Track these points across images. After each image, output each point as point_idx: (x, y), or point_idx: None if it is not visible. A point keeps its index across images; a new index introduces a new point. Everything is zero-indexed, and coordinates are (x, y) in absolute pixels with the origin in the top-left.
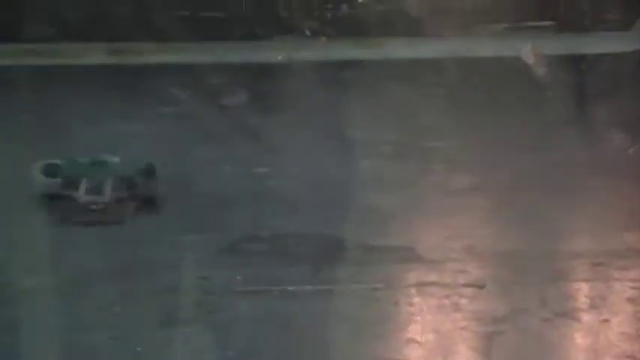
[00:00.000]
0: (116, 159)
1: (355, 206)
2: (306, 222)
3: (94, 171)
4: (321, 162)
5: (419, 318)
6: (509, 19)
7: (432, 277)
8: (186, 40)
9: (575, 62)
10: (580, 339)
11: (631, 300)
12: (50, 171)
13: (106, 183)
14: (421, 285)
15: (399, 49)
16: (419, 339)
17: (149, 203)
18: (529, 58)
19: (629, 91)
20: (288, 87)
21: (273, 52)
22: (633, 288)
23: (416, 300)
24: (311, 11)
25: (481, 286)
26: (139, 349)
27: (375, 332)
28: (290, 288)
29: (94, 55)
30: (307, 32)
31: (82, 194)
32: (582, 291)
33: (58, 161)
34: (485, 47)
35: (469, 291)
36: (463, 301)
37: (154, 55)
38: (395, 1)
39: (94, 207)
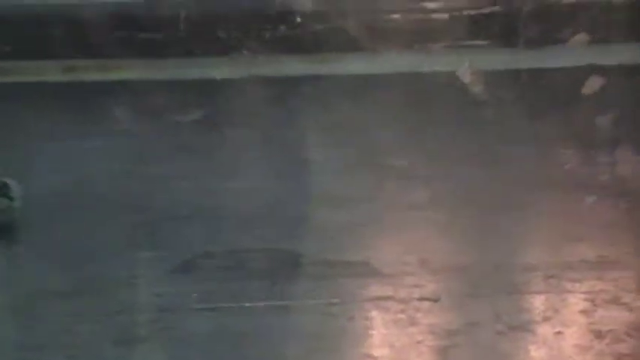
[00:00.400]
0: None
1: (310, 222)
2: (261, 238)
3: None
4: (276, 178)
5: (375, 332)
6: (447, 38)
7: (388, 291)
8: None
9: (515, 78)
10: (534, 351)
11: (584, 312)
12: None
13: None
14: (377, 299)
15: (343, 66)
16: (375, 354)
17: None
18: (465, 76)
19: (571, 106)
20: (240, 103)
21: (221, 69)
22: (586, 300)
23: (371, 314)
24: (249, 32)
25: (436, 300)
26: None
27: (331, 347)
28: (246, 304)
29: (48, 72)
30: (245, 52)
31: None
32: (535, 303)
33: None
34: (426, 64)
35: (424, 305)
36: (418, 315)
37: (95, 73)
38: (334, 20)
39: None
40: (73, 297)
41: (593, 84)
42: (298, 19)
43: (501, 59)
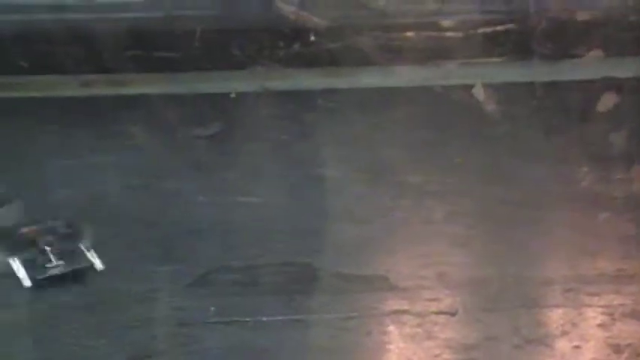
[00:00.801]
0: None
1: (326, 236)
2: (277, 252)
3: None
4: (291, 192)
5: (392, 347)
6: (459, 56)
7: (405, 305)
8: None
9: (530, 94)
10: None
11: (602, 326)
12: None
13: None
14: (394, 313)
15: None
16: None
17: None
18: (480, 94)
19: (585, 122)
20: (259, 117)
21: (235, 84)
22: (604, 314)
23: (389, 329)
24: (262, 49)
25: (453, 314)
26: None
27: None
28: (263, 318)
29: (64, 87)
30: (259, 68)
31: None
32: (553, 317)
33: None
34: (440, 80)
35: (441, 319)
36: (435, 329)
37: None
38: (348, 37)
39: None
40: (90, 311)
41: (607, 101)
42: (312, 37)
43: (516, 75)
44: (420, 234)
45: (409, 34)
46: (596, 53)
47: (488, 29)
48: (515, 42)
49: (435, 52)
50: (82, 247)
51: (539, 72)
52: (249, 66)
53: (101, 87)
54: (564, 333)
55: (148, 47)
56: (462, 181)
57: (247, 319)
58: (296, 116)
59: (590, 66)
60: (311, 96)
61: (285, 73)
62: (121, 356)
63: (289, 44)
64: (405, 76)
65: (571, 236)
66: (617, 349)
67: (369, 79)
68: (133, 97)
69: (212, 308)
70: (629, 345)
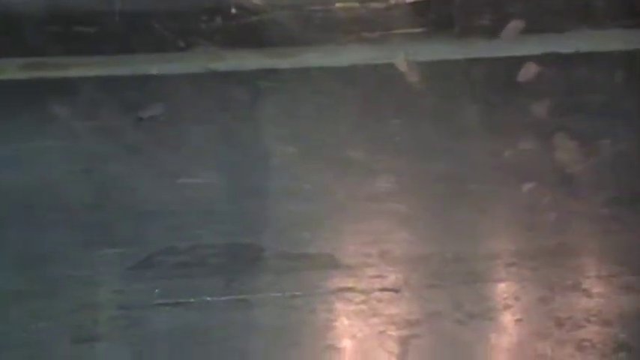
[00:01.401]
0: None
1: (270, 215)
2: (221, 233)
3: None
4: (234, 173)
5: (337, 324)
6: (381, 27)
7: (349, 283)
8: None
9: (453, 67)
10: (494, 339)
11: (543, 299)
12: None
13: None
14: (338, 291)
15: (280, 60)
16: (337, 345)
17: None
18: (402, 65)
19: (505, 95)
20: (202, 98)
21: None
22: (545, 287)
23: (334, 306)
24: (185, 24)
25: (397, 291)
26: None
27: (294, 340)
28: (208, 299)
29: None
30: (181, 44)
31: None
32: (496, 292)
33: None
34: (361, 55)
35: (385, 295)
36: (380, 305)
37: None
38: (268, 11)
39: None
40: (32, 296)
41: (528, 71)
42: (233, 11)
43: (438, 49)
44: (363, 211)
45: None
46: (517, 24)
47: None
48: (437, 14)
49: (361, 26)
50: None
51: (459, 46)
52: (170, 42)
53: (40, 70)
54: (506, 307)
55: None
56: (399, 157)
57: (192, 300)
58: (236, 97)
59: (511, 37)
60: (250, 76)
61: (222, 54)
62: (64, 340)
63: (211, 19)
64: (335, 54)
65: (510, 210)
66: (558, 321)
67: (295, 57)
68: (72, 81)
69: (156, 290)
70: (569, 318)
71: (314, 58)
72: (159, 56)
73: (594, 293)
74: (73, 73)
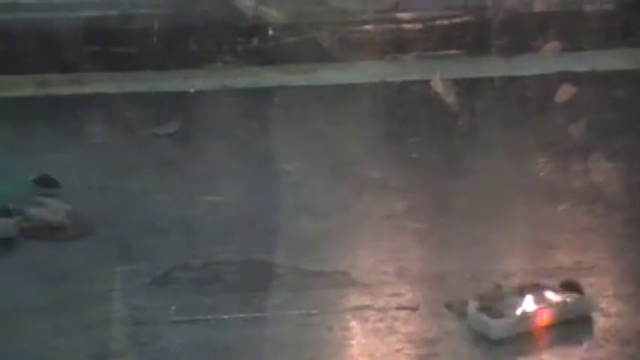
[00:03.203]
0: None
1: (287, 233)
2: (239, 249)
3: None
4: (252, 190)
5: (354, 342)
6: (417, 48)
7: (366, 301)
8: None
9: (488, 87)
10: (510, 359)
11: None
12: None
13: None
14: (355, 309)
15: (319, 76)
16: None
17: None
18: (438, 85)
19: (544, 114)
20: (218, 115)
21: (193, 81)
22: None
23: (351, 324)
24: (222, 45)
25: (414, 309)
26: None
27: (310, 358)
28: (224, 316)
29: (22, 87)
30: (220, 64)
31: None
32: None
33: None
34: (400, 74)
35: (402, 314)
36: (397, 324)
37: (69, 87)
38: (305, 32)
39: None
40: (50, 312)
41: (565, 92)
42: (270, 32)
43: (474, 68)
44: (380, 229)
45: (367, 27)
46: (554, 45)
47: (446, 22)
48: (473, 35)
49: (394, 46)
50: None
51: (497, 66)
52: (208, 63)
53: (59, 86)
54: None
55: (106, 44)
56: (421, 176)
57: (208, 317)
58: (255, 113)
59: (547, 58)
60: (270, 93)
61: (244, 70)
62: (81, 356)
63: (247, 40)
64: (363, 71)
65: (529, 229)
66: (576, 341)
67: (327, 75)
68: (93, 96)
69: (173, 307)
70: (589, 337)
71: (335, 74)
72: (176, 72)
73: (612, 312)
74: (90, 89)
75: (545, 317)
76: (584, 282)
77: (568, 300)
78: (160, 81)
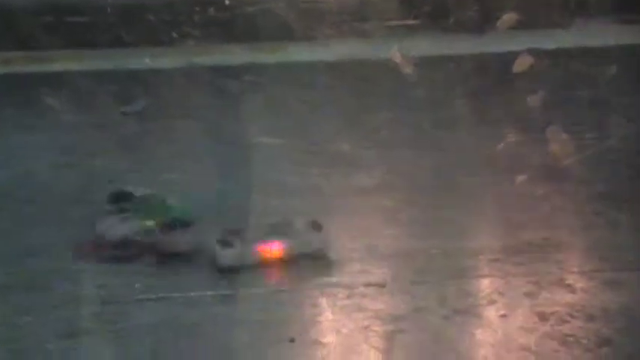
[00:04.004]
0: None
1: (258, 210)
2: (207, 228)
3: None
4: (220, 167)
5: (322, 319)
6: (375, 19)
7: (335, 278)
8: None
9: (447, 61)
10: (479, 334)
11: (528, 294)
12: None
13: None
14: (324, 286)
15: (275, 54)
16: (322, 340)
17: None
18: (397, 58)
19: (497, 89)
20: (185, 93)
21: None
22: (529, 282)
23: (319, 301)
24: (177, 15)
25: (382, 286)
26: None
27: (279, 335)
28: (192, 294)
29: None
30: (175, 36)
31: None
32: (480, 287)
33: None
34: (359, 49)
35: (370, 291)
36: (365, 300)
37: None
38: (262, 3)
39: None
40: (16, 290)
41: (523, 62)
42: (227, 1)
43: (432, 42)
44: (349, 206)
45: None
46: (511, 17)
47: None
48: (432, 5)
49: (353, 17)
50: None
51: (454, 40)
52: (163, 34)
53: (22, 64)
54: (491, 302)
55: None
56: (388, 151)
57: (176, 295)
58: (222, 91)
59: (504, 29)
60: (236, 71)
61: (208, 48)
62: (50, 335)
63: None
64: (324, 46)
65: (496, 205)
66: (542, 316)
67: (293, 53)
68: (58, 75)
69: (137, 285)
70: (554, 312)
71: (302, 52)
72: (147, 50)
73: (578, 288)
74: (59, 66)
75: (277, 250)
76: (552, 258)
77: (303, 237)
78: (122, 59)
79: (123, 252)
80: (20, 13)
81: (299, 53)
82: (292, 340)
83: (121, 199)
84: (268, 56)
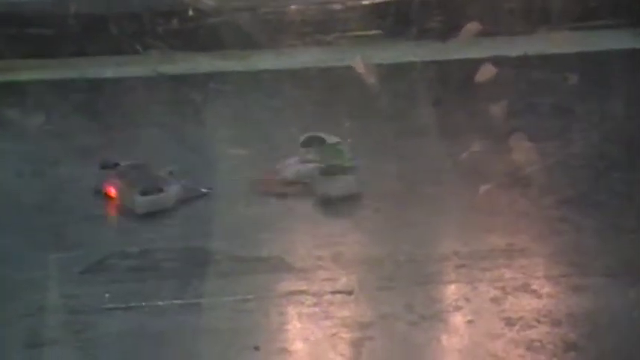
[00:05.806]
0: None
1: (221, 219)
2: (172, 237)
3: None
4: (186, 175)
5: (289, 327)
6: (337, 30)
7: (301, 285)
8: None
9: (410, 69)
10: (446, 341)
11: (494, 300)
12: None
13: None
14: (291, 294)
15: (240, 62)
16: (290, 348)
17: None
18: (359, 66)
19: (462, 97)
20: (151, 101)
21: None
22: (496, 288)
23: (286, 309)
24: (142, 27)
25: (349, 293)
26: None
27: (247, 343)
28: (160, 303)
29: None
30: (139, 48)
31: None
32: (447, 293)
33: None
34: (316, 57)
35: (337, 298)
36: (332, 308)
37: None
38: (225, 14)
39: None
40: None
41: (485, 72)
42: (191, 13)
43: (394, 51)
44: (315, 214)
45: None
46: (473, 26)
47: (367, 2)
48: (394, 16)
49: (316, 28)
50: None
51: (417, 48)
52: (127, 45)
53: None
54: (458, 308)
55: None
56: (356, 160)
57: (143, 304)
58: (188, 100)
59: (467, 39)
60: (203, 79)
61: (173, 57)
62: (17, 345)
63: (168, 21)
64: (286, 55)
65: (461, 212)
66: (509, 322)
67: (252, 59)
68: (20, 84)
69: (107, 294)
70: (520, 318)
71: (266, 60)
72: (111, 59)
73: (544, 294)
74: (25, 76)
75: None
76: (516, 264)
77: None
78: (83, 68)
79: (290, 190)
80: None
81: (263, 61)
82: (257, 348)
83: (314, 144)
84: (233, 64)
